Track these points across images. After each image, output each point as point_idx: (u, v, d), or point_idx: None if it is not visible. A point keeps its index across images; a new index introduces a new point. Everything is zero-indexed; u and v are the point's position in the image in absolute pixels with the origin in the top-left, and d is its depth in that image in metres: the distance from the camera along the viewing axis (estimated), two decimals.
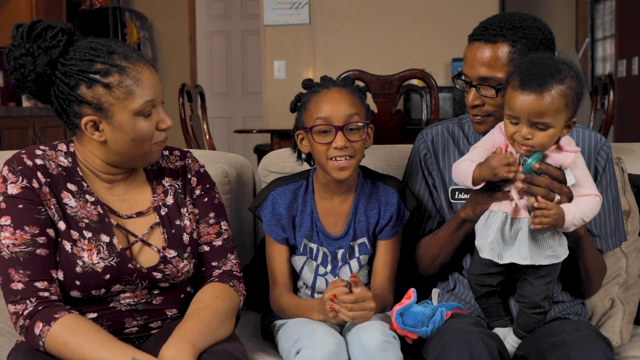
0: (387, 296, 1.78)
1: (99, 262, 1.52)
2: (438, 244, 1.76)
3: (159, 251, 1.60)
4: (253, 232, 2.18)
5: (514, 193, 1.54)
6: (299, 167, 1.92)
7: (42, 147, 1.60)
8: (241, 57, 7.53)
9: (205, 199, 1.70)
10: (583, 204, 1.52)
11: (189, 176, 1.71)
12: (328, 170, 1.72)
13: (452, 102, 4.86)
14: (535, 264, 1.56)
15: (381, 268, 1.81)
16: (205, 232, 1.69)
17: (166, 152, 1.72)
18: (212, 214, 1.70)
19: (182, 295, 1.66)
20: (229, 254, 1.70)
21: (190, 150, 1.88)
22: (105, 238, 1.55)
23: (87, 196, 1.57)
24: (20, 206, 1.50)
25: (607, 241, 1.78)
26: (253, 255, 2.10)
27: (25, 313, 1.46)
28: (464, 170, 1.57)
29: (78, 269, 1.51)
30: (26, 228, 1.49)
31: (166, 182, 1.68)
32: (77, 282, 1.52)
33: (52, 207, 1.53)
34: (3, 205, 1.51)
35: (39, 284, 1.48)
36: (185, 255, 1.62)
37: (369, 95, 2.37)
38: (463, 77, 1.72)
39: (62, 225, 1.53)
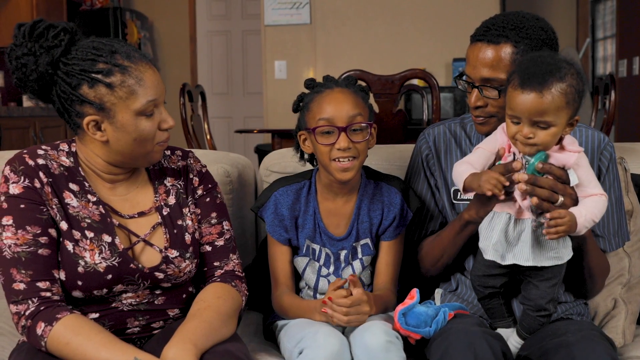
0: (390, 297, 1.77)
1: (101, 262, 1.52)
2: (441, 245, 1.75)
3: (161, 251, 1.60)
4: (255, 232, 2.18)
5: (517, 194, 1.53)
6: (300, 167, 1.92)
7: (44, 147, 1.59)
8: (242, 57, 7.52)
9: (208, 199, 1.70)
10: (591, 205, 1.51)
11: (191, 176, 1.70)
12: (331, 171, 1.72)
13: (453, 102, 4.85)
14: (538, 266, 1.55)
15: (384, 269, 1.80)
16: (207, 232, 1.68)
17: (168, 152, 1.71)
18: (214, 214, 1.69)
19: (184, 296, 1.65)
20: (231, 254, 1.69)
21: (192, 150, 1.87)
22: (107, 238, 1.54)
23: (89, 196, 1.57)
24: (22, 206, 1.50)
25: (610, 241, 1.78)
26: (255, 255, 2.09)
27: (27, 313, 1.46)
28: (460, 175, 1.57)
29: (80, 269, 1.51)
30: (28, 228, 1.49)
31: (168, 182, 1.68)
32: (79, 282, 1.51)
33: (54, 207, 1.53)
34: (5, 205, 1.51)
35: (40, 284, 1.48)
36: (187, 255, 1.62)
37: (370, 95, 2.36)
38: (465, 78, 1.71)
39: (64, 225, 1.53)
